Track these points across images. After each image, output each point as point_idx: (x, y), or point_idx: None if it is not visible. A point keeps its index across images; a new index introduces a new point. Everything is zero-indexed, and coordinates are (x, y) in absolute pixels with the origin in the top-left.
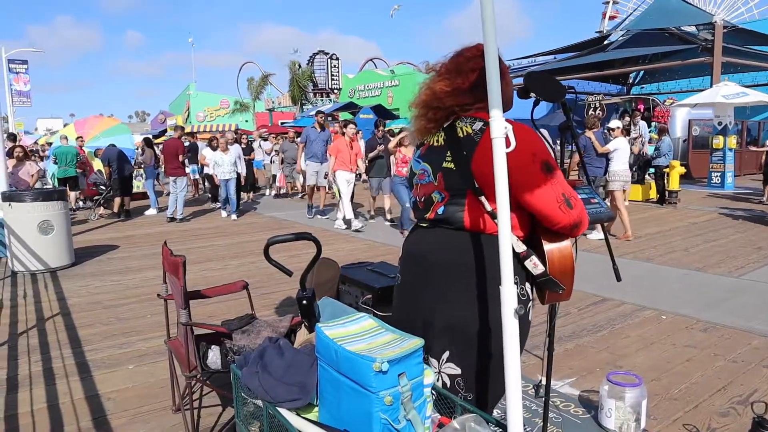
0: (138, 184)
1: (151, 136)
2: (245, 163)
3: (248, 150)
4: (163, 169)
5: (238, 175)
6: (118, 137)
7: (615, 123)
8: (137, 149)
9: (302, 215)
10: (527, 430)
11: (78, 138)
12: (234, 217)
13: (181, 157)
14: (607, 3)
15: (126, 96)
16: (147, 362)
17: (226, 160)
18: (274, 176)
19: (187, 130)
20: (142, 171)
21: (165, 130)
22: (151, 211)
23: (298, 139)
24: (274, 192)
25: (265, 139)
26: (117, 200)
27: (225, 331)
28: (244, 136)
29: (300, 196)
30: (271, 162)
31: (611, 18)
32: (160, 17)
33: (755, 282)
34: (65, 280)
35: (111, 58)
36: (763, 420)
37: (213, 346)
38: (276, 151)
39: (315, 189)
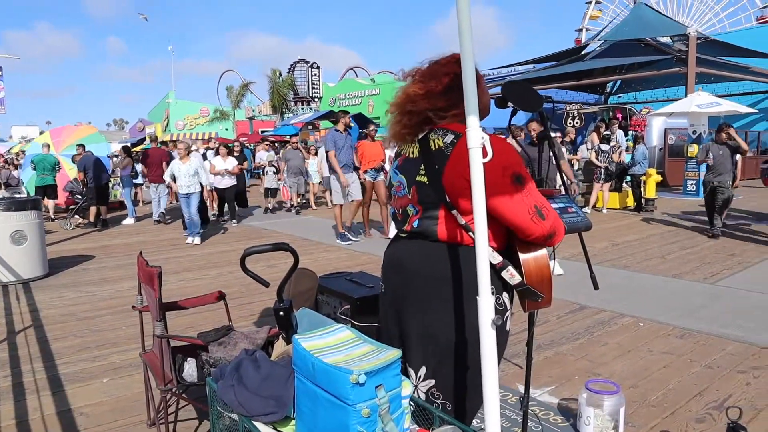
0: (116, 193)
1: (129, 144)
2: (238, 173)
3: (241, 158)
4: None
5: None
6: (93, 146)
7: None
8: (112, 159)
9: (284, 223)
10: None
11: (45, 146)
12: (196, 240)
13: (164, 165)
14: (580, 30)
15: (104, 103)
16: (122, 375)
17: (184, 170)
18: (270, 190)
19: (166, 138)
20: (119, 179)
21: (144, 138)
22: (129, 221)
23: (317, 146)
24: (269, 206)
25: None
26: (93, 209)
27: (201, 343)
28: (236, 144)
29: (294, 210)
30: (263, 173)
31: (593, 18)
32: (140, 24)
33: (729, 288)
34: (38, 292)
35: (90, 65)
36: (737, 425)
37: (189, 359)
38: (270, 162)
39: (341, 208)
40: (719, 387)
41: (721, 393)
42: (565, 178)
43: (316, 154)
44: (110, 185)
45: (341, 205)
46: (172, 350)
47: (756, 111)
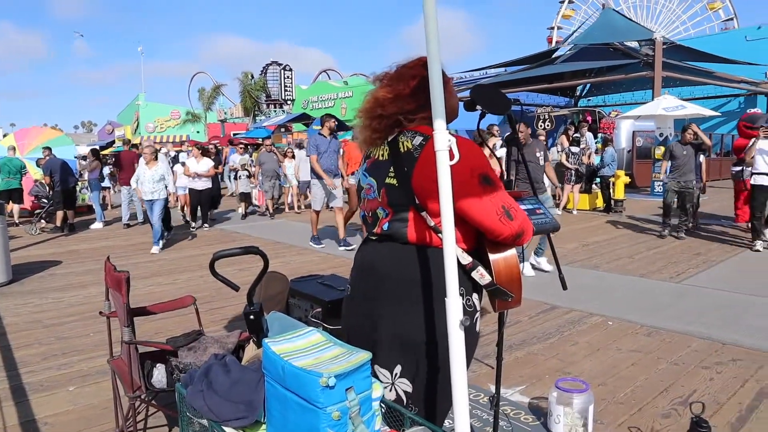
0: (83, 197)
1: (98, 147)
2: (213, 177)
3: (217, 161)
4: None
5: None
6: (61, 149)
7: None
8: (79, 161)
9: (258, 227)
10: None
11: (10, 149)
12: (154, 250)
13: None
14: (552, 29)
15: (72, 105)
16: (89, 383)
17: (149, 176)
18: (244, 194)
19: (136, 141)
20: (86, 183)
21: (113, 141)
22: (97, 225)
23: (296, 150)
24: (242, 211)
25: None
26: (60, 213)
27: (170, 349)
28: (211, 146)
29: (269, 215)
30: (236, 177)
31: (565, 17)
32: (109, 25)
33: (694, 287)
34: (2, 299)
35: (57, 66)
36: (700, 419)
37: (158, 365)
38: (243, 165)
39: (318, 214)
40: (684, 383)
41: (686, 389)
42: (550, 180)
43: (293, 157)
44: (78, 189)
45: (317, 211)
46: (141, 356)
47: (719, 114)
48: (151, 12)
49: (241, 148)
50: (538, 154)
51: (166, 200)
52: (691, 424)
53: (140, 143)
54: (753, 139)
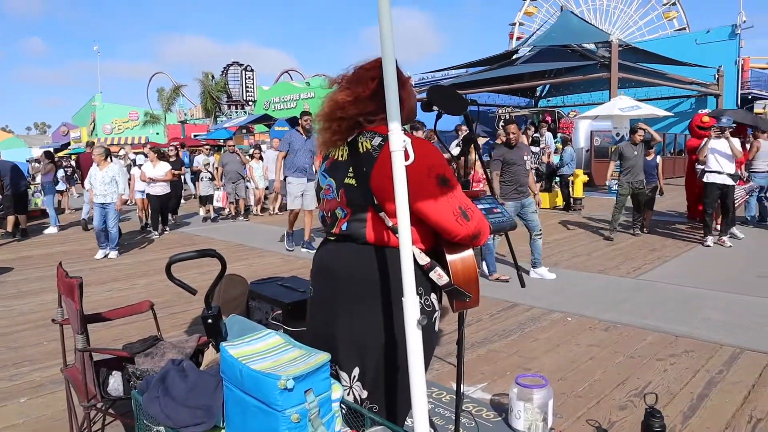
0: (36, 201)
1: (52, 150)
2: (171, 180)
3: (178, 164)
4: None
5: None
6: (11, 152)
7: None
8: (32, 164)
9: (220, 230)
10: None
11: None
12: (114, 254)
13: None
14: (514, 24)
15: (24, 106)
16: (42, 394)
17: (99, 177)
18: (206, 197)
19: (86, 143)
20: (39, 186)
21: (68, 143)
22: (51, 230)
23: (254, 148)
24: (206, 214)
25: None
26: (11, 218)
27: (126, 355)
28: (171, 148)
29: (241, 217)
30: (198, 179)
31: (518, 39)
32: (63, 23)
33: (650, 282)
34: None
35: (7, 65)
36: (654, 410)
37: (115, 372)
38: (205, 166)
39: (295, 214)
40: (640, 375)
41: (641, 381)
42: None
43: (261, 158)
44: (30, 193)
45: (292, 211)
46: (96, 364)
47: (672, 114)
48: (107, 10)
49: (206, 149)
50: (526, 158)
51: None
52: (645, 415)
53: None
54: (705, 139)
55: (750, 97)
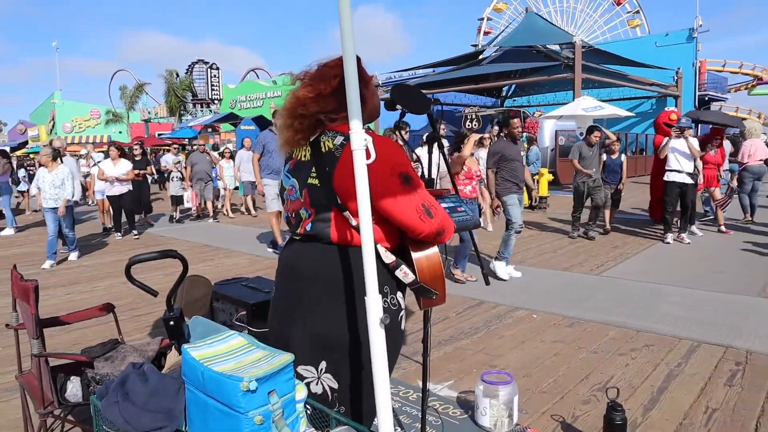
0: None
1: (8, 149)
2: (133, 179)
3: (144, 163)
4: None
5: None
6: None
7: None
8: None
9: (187, 231)
10: None
11: None
12: (74, 256)
13: None
14: (482, 19)
15: None
16: None
17: (48, 180)
18: (178, 197)
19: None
20: None
21: (26, 142)
22: (8, 231)
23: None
24: (174, 215)
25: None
26: None
27: (85, 360)
28: (136, 147)
29: (211, 219)
30: (169, 179)
31: (485, 33)
32: (19, 18)
33: (612, 278)
34: None
35: None
36: (615, 404)
37: (73, 377)
38: (176, 165)
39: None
40: (603, 370)
41: (604, 375)
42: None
43: (231, 158)
44: None
45: (275, 213)
46: (54, 369)
47: (634, 114)
48: (66, 5)
49: (174, 148)
50: (522, 153)
51: (72, 206)
52: (607, 409)
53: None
54: (666, 138)
55: (707, 98)
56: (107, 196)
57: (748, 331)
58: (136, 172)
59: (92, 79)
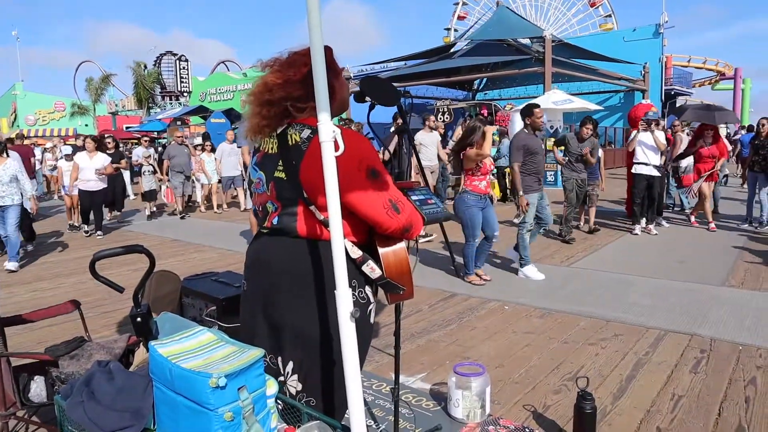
0: None
1: None
2: (112, 173)
3: (117, 157)
4: None
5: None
6: None
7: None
8: None
9: (159, 226)
10: (379, 428)
11: None
12: (11, 266)
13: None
14: (457, 4)
15: None
16: None
17: None
18: (150, 191)
19: (14, 135)
20: None
21: None
22: None
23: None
24: (149, 211)
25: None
26: None
27: (49, 359)
28: (109, 139)
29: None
30: (140, 172)
31: (460, 18)
32: None
33: (583, 269)
34: None
35: None
36: (585, 393)
37: (37, 377)
38: (146, 158)
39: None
40: (573, 360)
41: (575, 365)
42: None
43: (212, 151)
44: None
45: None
46: (16, 369)
47: (602, 108)
48: None
49: (146, 141)
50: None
51: (22, 205)
52: (578, 398)
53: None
54: (634, 132)
55: (672, 92)
56: (80, 191)
57: (712, 319)
58: (115, 166)
59: (56, 70)
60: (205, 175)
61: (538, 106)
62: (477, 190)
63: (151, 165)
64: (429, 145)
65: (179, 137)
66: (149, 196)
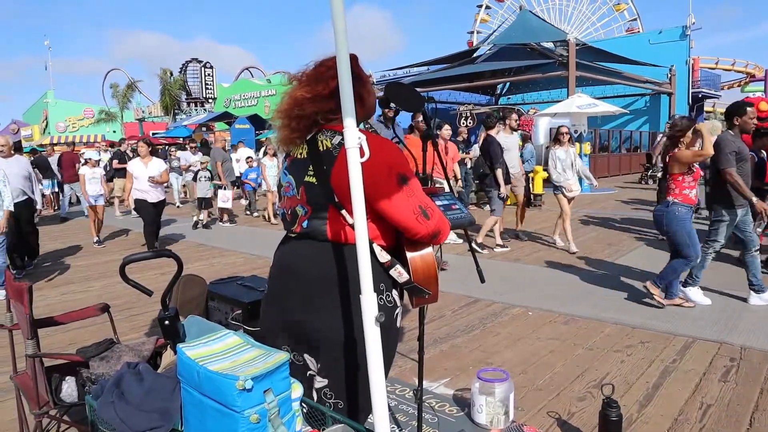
0: None
1: None
2: (166, 182)
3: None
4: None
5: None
6: None
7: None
8: None
9: (192, 232)
10: None
11: None
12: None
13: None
14: (481, 6)
15: None
16: None
17: None
18: (204, 199)
19: (46, 141)
20: None
21: (19, 142)
22: None
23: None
24: (201, 219)
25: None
26: None
27: (80, 360)
28: (124, 143)
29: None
30: (196, 179)
31: (483, 21)
32: (9, 16)
33: (607, 275)
34: None
35: None
36: (611, 400)
37: (68, 377)
38: (202, 164)
39: None
40: (598, 367)
41: (600, 372)
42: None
43: (274, 155)
44: None
45: None
46: (48, 369)
47: (628, 112)
48: (58, 3)
49: (193, 146)
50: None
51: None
52: (603, 405)
53: (50, 142)
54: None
55: (700, 95)
56: (138, 203)
57: (742, 327)
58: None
59: (85, 78)
60: (266, 181)
61: (751, 105)
62: (688, 200)
63: (208, 170)
64: (511, 148)
65: (222, 141)
66: (205, 203)
